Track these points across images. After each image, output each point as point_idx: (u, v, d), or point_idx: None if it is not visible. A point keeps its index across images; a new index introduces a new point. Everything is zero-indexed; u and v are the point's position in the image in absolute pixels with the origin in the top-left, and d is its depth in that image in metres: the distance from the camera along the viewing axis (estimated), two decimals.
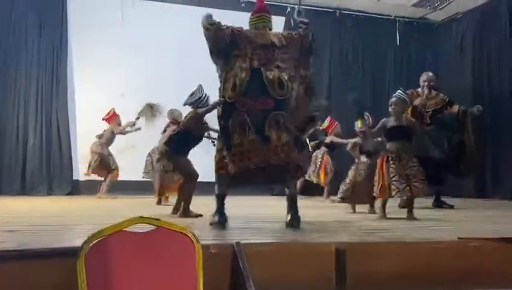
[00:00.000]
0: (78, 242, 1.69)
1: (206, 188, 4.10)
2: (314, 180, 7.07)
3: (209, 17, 3.45)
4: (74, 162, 7.66)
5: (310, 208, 4.93)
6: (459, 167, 5.44)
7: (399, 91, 4.32)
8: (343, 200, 4.81)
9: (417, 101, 5.48)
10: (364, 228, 3.28)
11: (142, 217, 1.73)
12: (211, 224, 3.15)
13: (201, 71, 7.77)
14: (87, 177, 7.45)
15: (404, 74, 9.01)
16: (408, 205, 4.04)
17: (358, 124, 4.81)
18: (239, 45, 3.20)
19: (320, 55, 8.86)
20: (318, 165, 6.92)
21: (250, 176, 3.16)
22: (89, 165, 6.95)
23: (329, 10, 8.84)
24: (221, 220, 3.17)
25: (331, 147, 6.88)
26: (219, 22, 3.38)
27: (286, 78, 3.11)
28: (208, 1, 8.26)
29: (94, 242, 1.63)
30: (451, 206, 5.43)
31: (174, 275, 1.72)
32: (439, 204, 5.49)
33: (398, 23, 9.20)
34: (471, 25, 8.38)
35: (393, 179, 3.92)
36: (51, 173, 7.44)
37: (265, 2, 3.52)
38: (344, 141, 6.02)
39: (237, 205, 5.32)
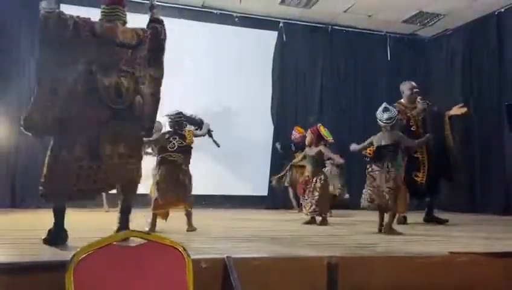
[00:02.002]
0: (67, 256, 1.67)
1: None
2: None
3: (50, 2, 2.78)
4: None
5: (299, 221, 4.93)
6: (447, 173, 5.25)
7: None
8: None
9: (416, 111, 5.28)
10: (356, 242, 3.27)
11: (132, 230, 1.72)
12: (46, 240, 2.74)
13: (195, 83, 7.88)
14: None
15: (395, 89, 9.08)
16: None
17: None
18: (80, 40, 2.77)
19: (312, 70, 8.96)
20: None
21: (81, 194, 2.80)
22: None
23: (321, 26, 8.94)
24: (60, 236, 2.78)
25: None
26: (61, 11, 2.84)
27: (126, 84, 2.84)
28: (201, 15, 8.34)
29: (83, 256, 1.62)
30: (445, 221, 5.20)
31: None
32: (430, 219, 5.29)
33: (389, 39, 9.33)
34: (461, 41, 8.52)
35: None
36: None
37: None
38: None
39: (228, 218, 5.31)
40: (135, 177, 2.95)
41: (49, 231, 2.77)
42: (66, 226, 2.87)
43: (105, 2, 3.08)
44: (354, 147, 4.43)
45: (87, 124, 2.72)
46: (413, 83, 5.54)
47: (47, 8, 2.75)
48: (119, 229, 2.90)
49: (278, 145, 7.70)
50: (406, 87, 5.51)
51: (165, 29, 3.17)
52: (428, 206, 5.42)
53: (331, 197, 5.85)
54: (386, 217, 4.10)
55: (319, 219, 4.97)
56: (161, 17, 3.19)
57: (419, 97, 5.37)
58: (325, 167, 5.53)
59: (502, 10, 7.76)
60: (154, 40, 3.10)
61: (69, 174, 2.67)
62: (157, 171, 4.00)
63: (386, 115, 4.26)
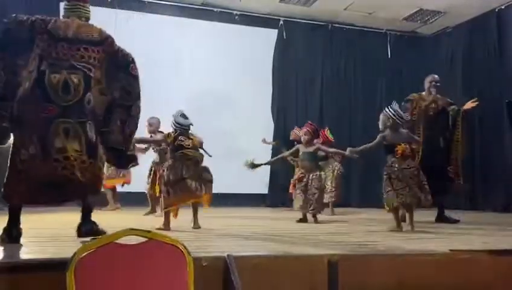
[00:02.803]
0: (68, 254, 1.67)
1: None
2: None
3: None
4: None
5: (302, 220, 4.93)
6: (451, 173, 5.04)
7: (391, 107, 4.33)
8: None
9: (424, 103, 5.14)
10: (356, 240, 3.27)
11: (132, 229, 1.72)
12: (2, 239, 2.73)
13: (196, 81, 7.87)
14: None
15: (396, 87, 9.10)
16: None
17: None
18: (36, 38, 2.77)
19: (312, 68, 8.96)
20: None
21: (40, 195, 2.76)
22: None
23: (321, 24, 8.93)
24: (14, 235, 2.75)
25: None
26: (17, 15, 2.85)
27: (76, 80, 2.78)
28: (201, 14, 8.34)
29: (84, 254, 1.62)
30: (456, 221, 4.95)
31: (165, 288, 1.70)
32: (441, 219, 5.03)
33: (389, 36, 9.32)
34: (461, 39, 8.51)
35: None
36: None
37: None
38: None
39: (229, 217, 5.32)
40: (94, 176, 2.87)
41: (4, 229, 2.78)
42: (68, 225, 2.87)
43: None
44: (362, 147, 4.30)
45: (37, 122, 2.71)
46: (436, 76, 5.34)
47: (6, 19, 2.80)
48: (79, 229, 2.90)
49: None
50: (426, 80, 5.34)
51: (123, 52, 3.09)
52: (438, 206, 5.16)
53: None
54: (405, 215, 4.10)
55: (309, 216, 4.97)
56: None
57: (434, 90, 5.20)
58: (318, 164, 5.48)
59: (502, 7, 7.76)
60: (118, 52, 3.05)
61: (26, 174, 2.67)
62: (172, 168, 3.93)
63: (402, 113, 4.21)
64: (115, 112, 2.99)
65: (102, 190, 6.83)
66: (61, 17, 3.05)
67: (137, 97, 3.10)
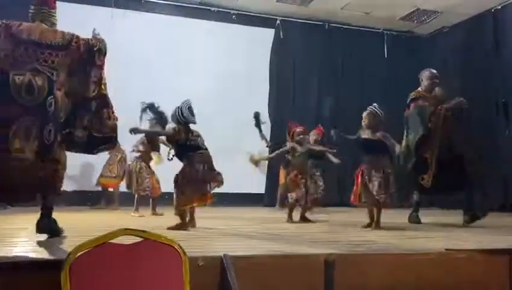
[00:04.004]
0: (62, 254, 1.66)
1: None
2: None
3: None
4: None
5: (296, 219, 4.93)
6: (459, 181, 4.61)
7: (374, 105, 4.43)
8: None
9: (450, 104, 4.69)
10: (353, 240, 3.27)
11: (127, 228, 1.71)
12: None
13: (193, 81, 7.86)
14: (75, 188, 7.36)
15: (392, 86, 9.11)
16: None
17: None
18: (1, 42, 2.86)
19: (309, 68, 8.96)
20: None
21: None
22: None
23: (318, 23, 8.94)
24: None
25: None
26: None
27: (40, 82, 2.82)
28: (198, 13, 8.33)
29: (79, 254, 1.61)
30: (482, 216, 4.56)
31: (160, 288, 1.69)
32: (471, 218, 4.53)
33: (386, 36, 9.33)
34: (457, 39, 8.53)
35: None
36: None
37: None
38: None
39: (225, 216, 5.31)
40: (53, 177, 2.90)
41: None
42: (62, 225, 2.94)
43: (33, 2, 3.12)
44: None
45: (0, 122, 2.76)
46: (434, 71, 4.96)
47: None
48: (38, 225, 2.93)
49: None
50: (424, 76, 4.90)
51: (101, 47, 3.08)
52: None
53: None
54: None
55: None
56: (101, 37, 3.13)
57: (437, 88, 4.87)
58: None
59: (499, 7, 7.77)
60: (85, 51, 3.04)
61: None
62: (190, 168, 3.91)
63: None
64: (84, 109, 3.03)
65: (111, 190, 6.88)
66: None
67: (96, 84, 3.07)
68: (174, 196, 3.92)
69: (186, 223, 3.87)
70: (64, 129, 2.98)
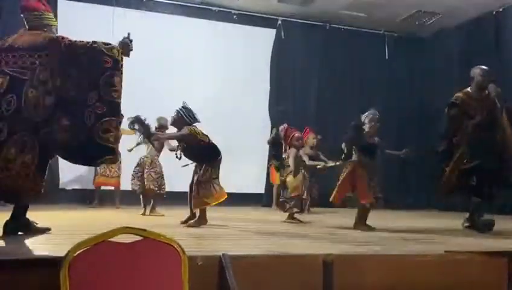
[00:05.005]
0: (62, 252, 1.67)
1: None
2: None
3: None
4: (61, 171, 7.54)
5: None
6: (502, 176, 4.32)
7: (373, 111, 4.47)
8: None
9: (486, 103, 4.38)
10: (352, 240, 3.28)
11: (127, 227, 1.71)
12: None
13: (193, 80, 7.86)
14: (74, 187, 7.38)
15: (393, 88, 9.12)
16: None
17: None
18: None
19: (310, 68, 8.95)
20: None
21: None
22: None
23: (319, 24, 8.93)
24: None
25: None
26: None
27: (5, 85, 2.89)
28: (200, 12, 8.33)
29: (78, 252, 1.61)
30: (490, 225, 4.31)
31: (159, 287, 1.70)
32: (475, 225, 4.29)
33: (387, 37, 9.33)
34: (459, 41, 8.52)
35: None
36: None
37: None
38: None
39: (225, 216, 5.31)
40: (21, 183, 2.87)
41: None
42: (62, 222, 2.88)
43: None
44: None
45: None
46: (485, 68, 4.62)
47: None
48: (5, 229, 2.93)
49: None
50: (476, 73, 4.54)
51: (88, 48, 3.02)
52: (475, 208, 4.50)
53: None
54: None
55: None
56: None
57: (491, 85, 4.49)
58: None
59: (500, 9, 7.77)
60: (65, 51, 3.01)
61: None
62: (213, 168, 4.19)
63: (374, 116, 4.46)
64: (64, 109, 2.95)
65: (112, 188, 6.88)
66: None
67: (90, 88, 2.97)
68: (195, 194, 4.08)
69: (206, 220, 4.11)
70: (42, 129, 2.91)
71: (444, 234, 3.90)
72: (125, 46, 3.14)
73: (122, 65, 3.04)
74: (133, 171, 5.66)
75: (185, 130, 4.15)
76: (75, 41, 3.04)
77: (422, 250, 2.77)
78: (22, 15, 3.20)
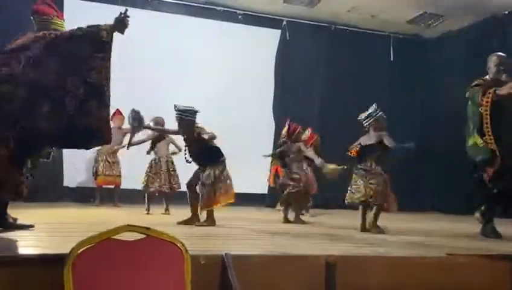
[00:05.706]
0: (65, 249, 1.68)
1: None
2: None
3: None
4: (66, 169, 7.57)
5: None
6: None
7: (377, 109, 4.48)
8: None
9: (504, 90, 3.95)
10: (354, 241, 3.28)
11: (130, 225, 1.72)
12: None
13: (197, 80, 7.87)
14: (78, 185, 7.40)
15: (398, 90, 9.09)
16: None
17: None
18: None
19: (315, 69, 8.94)
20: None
21: None
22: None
23: (324, 25, 8.93)
24: None
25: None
26: None
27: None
28: (205, 12, 8.33)
29: (82, 250, 1.62)
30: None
31: (161, 285, 1.71)
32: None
33: (392, 39, 9.31)
34: (464, 43, 8.49)
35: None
36: (40, 180, 7.31)
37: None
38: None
39: (228, 216, 5.32)
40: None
41: None
42: (65, 220, 2.89)
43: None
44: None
45: None
46: (502, 54, 4.38)
47: None
48: None
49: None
50: (492, 61, 4.37)
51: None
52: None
53: None
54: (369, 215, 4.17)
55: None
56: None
57: (505, 74, 4.23)
58: None
59: (506, 12, 7.74)
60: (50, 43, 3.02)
61: None
62: (223, 170, 4.27)
63: (362, 115, 4.44)
64: (43, 99, 2.92)
65: (113, 187, 6.90)
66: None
67: (71, 74, 2.94)
68: (206, 195, 4.11)
69: (214, 221, 4.17)
70: (19, 123, 2.88)
71: (446, 237, 3.89)
72: (120, 23, 3.14)
73: (110, 46, 3.01)
74: (149, 172, 5.77)
75: (207, 134, 4.23)
76: (61, 33, 3.08)
77: (423, 253, 2.77)
78: (31, 17, 3.25)
